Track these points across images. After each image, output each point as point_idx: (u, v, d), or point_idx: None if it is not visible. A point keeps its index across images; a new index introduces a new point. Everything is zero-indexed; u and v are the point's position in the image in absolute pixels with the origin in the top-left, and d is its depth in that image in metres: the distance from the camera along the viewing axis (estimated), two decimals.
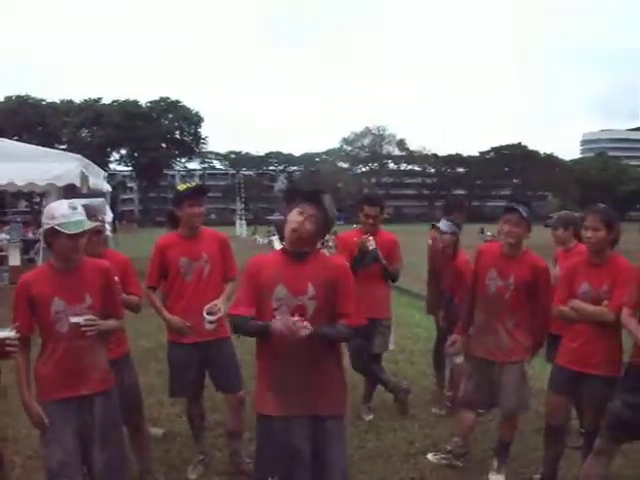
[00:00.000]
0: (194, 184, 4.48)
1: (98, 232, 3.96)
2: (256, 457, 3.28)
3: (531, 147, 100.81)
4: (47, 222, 3.22)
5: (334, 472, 3.10)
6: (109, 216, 11.06)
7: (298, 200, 3.11)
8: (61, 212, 3.19)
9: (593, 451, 3.73)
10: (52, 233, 3.21)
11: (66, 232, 3.15)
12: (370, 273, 5.36)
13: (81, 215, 3.25)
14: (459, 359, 5.41)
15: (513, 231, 4.26)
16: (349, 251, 5.43)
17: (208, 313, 4.14)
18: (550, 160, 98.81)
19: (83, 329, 3.24)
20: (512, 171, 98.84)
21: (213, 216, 73.02)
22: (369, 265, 5.33)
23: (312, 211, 3.05)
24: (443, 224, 5.66)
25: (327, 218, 3.10)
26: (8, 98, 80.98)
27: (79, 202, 3.42)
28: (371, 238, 5.29)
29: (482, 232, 35.80)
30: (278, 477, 3.06)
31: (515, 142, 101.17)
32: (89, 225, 3.27)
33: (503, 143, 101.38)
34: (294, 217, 3.06)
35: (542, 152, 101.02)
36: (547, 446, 4.28)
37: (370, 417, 5.70)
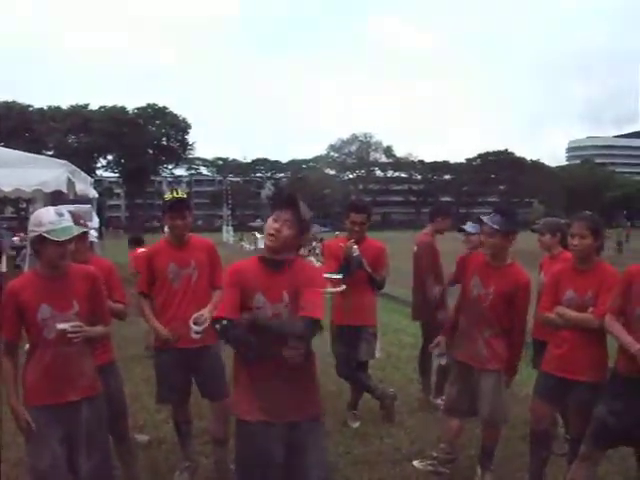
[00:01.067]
0: (180, 192, 4.47)
1: (82, 238, 3.95)
2: (236, 461, 3.31)
3: (518, 154, 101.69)
4: (34, 229, 3.21)
5: (311, 476, 3.12)
6: (95, 222, 11.05)
7: (273, 208, 3.15)
8: (48, 219, 3.19)
9: (579, 457, 3.76)
10: (39, 240, 3.20)
11: (54, 239, 3.15)
12: (356, 280, 5.35)
13: (68, 221, 3.25)
14: (443, 360, 5.43)
15: (488, 242, 4.27)
16: (335, 258, 5.45)
17: (195, 323, 4.14)
18: (536, 167, 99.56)
19: (69, 335, 3.23)
20: (498, 178, 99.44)
21: (200, 222, 72.95)
22: (354, 272, 5.34)
23: (287, 216, 3.08)
24: (469, 226, 5.72)
25: (302, 221, 3.11)
26: None
27: (65, 208, 3.42)
28: (355, 247, 5.30)
29: (465, 241, 35.92)
30: None
31: (502, 149, 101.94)
32: (77, 231, 3.28)
33: (490, 150, 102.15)
34: (270, 224, 3.09)
35: (528, 159, 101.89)
36: (532, 452, 4.28)
37: (356, 424, 5.69)
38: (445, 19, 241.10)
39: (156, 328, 4.37)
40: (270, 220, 3.10)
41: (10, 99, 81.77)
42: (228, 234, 46.93)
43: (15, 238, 17.29)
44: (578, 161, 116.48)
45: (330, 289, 4.49)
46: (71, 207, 4.09)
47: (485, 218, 4.26)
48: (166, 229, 4.63)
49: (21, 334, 3.33)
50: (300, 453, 3.11)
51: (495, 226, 4.19)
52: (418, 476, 4.63)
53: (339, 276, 4.77)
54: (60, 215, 3.23)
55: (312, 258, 19.87)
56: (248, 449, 3.14)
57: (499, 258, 4.31)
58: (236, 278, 3.15)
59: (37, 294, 3.26)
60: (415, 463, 4.77)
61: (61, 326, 3.23)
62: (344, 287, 4.87)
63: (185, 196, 4.47)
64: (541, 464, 4.26)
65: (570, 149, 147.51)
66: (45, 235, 3.15)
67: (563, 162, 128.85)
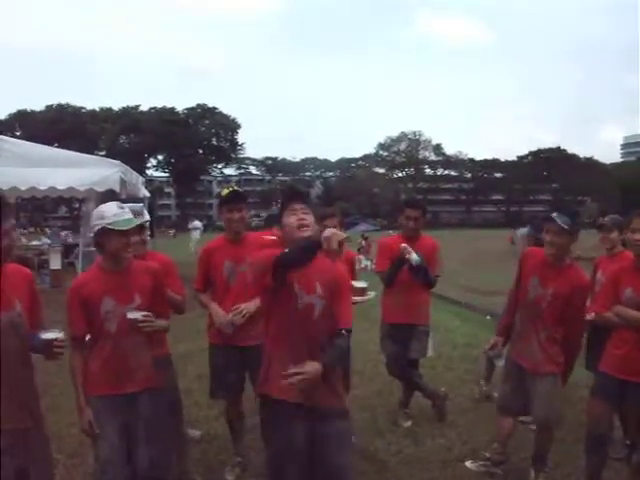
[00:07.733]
0: (233, 189, 4.49)
1: (141, 229, 4.05)
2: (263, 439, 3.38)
3: (570, 151, 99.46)
4: (97, 223, 3.34)
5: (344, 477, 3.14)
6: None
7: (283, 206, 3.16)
8: (112, 212, 3.34)
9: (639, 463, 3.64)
10: (103, 233, 3.32)
11: (118, 229, 3.28)
12: (408, 279, 5.32)
13: (129, 214, 3.41)
14: (500, 362, 5.34)
15: (554, 241, 4.14)
16: (388, 256, 5.42)
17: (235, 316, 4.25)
18: (590, 164, 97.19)
19: (140, 325, 3.33)
20: (551, 175, 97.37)
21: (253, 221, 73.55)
22: (417, 274, 5.30)
23: (302, 205, 3.12)
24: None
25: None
26: (49, 107, 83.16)
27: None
28: (417, 258, 5.23)
29: (512, 242, 35.10)
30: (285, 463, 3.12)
31: (554, 146, 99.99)
32: (138, 221, 3.46)
33: (541, 147, 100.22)
34: (294, 219, 3.09)
35: (581, 156, 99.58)
36: (589, 455, 4.18)
37: (408, 423, 5.64)
38: (495, 16, 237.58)
39: (214, 311, 4.39)
40: (289, 217, 3.10)
41: (64, 102, 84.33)
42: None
43: (64, 233, 17.74)
44: (634, 158, 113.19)
45: (358, 298, 4.39)
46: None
47: (554, 216, 4.15)
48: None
49: (87, 328, 3.40)
50: (325, 444, 3.10)
51: (564, 225, 4.09)
52: (470, 477, 4.57)
53: (364, 284, 4.66)
54: (121, 208, 3.40)
55: (361, 256, 19.85)
56: (274, 427, 3.19)
57: (560, 258, 4.21)
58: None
59: (101, 287, 3.35)
60: (467, 464, 4.72)
61: (132, 315, 3.33)
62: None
63: (241, 190, 4.50)
64: (597, 468, 4.15)
65: (625, 145, 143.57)
66: (109, 227, 3.28)
67: (618, 159, 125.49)
